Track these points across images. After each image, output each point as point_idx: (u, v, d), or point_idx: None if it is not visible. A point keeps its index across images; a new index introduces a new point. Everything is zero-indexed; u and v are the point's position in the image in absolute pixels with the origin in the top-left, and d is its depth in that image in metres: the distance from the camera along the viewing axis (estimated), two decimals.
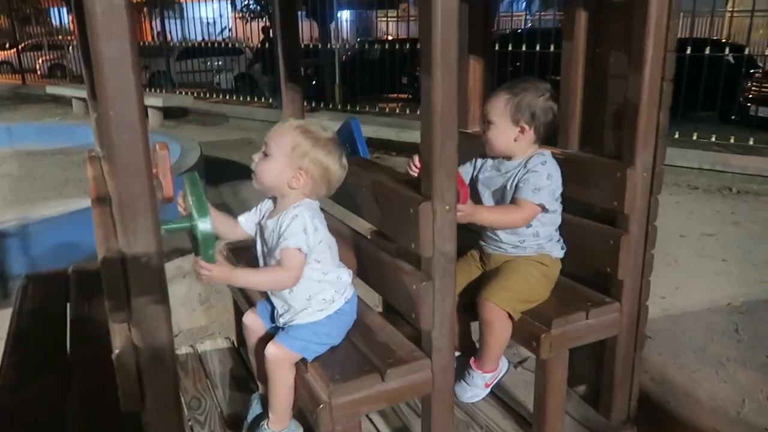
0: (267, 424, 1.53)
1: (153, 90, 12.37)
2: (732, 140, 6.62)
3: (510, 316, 1.57)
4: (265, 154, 1.42)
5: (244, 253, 1.96)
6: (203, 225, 1.17)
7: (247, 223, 1.56)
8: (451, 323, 1.40)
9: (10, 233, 3.33)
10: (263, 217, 1.52)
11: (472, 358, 1.68)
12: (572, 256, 1.75)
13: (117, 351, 1.05)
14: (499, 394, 1.99)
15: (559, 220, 1.71)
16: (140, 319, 1.05)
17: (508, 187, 1.65)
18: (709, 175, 5.95)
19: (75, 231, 3.40)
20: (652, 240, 1.67)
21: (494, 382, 1.73)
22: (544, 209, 1.60)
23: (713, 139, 6.72)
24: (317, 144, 1.41)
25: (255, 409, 1.67)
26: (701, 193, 5.44)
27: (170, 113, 9.83)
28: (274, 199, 1.51)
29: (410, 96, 11.14)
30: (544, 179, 1.59)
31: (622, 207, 1.59)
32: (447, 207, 1.31)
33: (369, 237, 2.27)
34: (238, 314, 2.19)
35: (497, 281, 1.62)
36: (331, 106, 10.43)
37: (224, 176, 5.71)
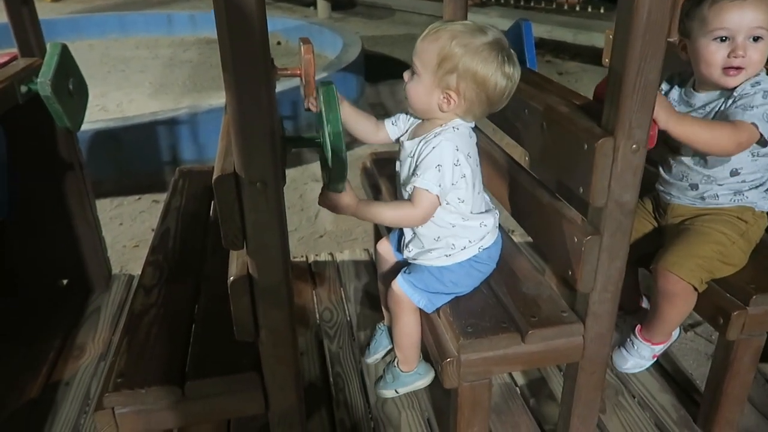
0: (396, 363, 1.44)
1: None
2: None
3: (695, 287, 1.25)
4: (413, 73, 1.17)
5: (387, 167, 1.80)
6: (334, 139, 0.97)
7: (392, 129, 1.33)
8: (617, 288, 1.14)
9: (182, 121, 3.53)
10: (406, 131, 1.30)
11: (639, 326, 1.40)
12: None
13: (231, 278, 0.97)
14: (660, 360, 1.70)
15: None
16: (254, 249, 0.95)
17: None
18: None
19: None
20: None
21: (662, 352, 1.45)
22: (760, 138, 1.18)
23: None
24: (469, 52, 1.10)
25: (379, 340, 1.59)
26: None
27: (338, 4, 9.73)
28: None
29: None
30: (759, 97, 1.18)
31: None
32: (634, 146, 1.01)
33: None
34: (377, 230, 2.09)
35: (680, 245, 1.28)
36: (503, 0, 9.57)
37: (383, 74, 5.55)
